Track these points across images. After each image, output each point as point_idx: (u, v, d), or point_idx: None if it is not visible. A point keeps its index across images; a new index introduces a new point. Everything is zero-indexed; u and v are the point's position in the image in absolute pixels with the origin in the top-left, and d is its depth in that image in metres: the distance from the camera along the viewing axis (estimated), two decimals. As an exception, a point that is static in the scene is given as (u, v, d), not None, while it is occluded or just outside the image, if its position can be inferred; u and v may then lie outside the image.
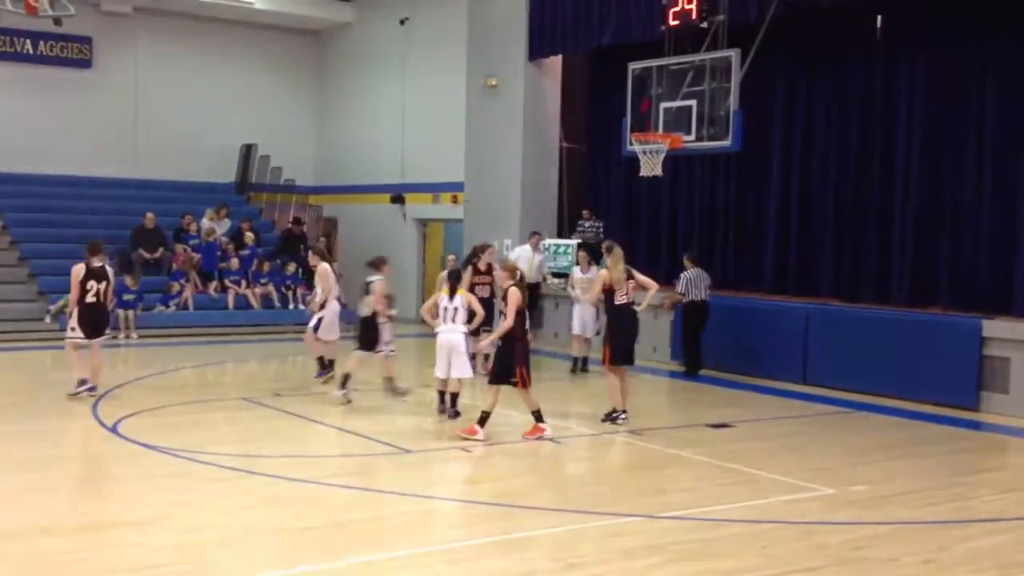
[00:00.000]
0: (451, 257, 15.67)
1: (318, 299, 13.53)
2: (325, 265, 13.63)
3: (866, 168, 15.93)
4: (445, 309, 11.35)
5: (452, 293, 11.46)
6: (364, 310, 12.31)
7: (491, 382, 10.74)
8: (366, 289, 12.38)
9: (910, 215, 15.31)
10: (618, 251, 11.78)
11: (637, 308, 11.86)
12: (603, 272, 11.88)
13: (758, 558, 7.00)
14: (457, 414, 11.43)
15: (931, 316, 14.21)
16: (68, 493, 8.43)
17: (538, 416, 10.75)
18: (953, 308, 14.45)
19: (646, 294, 11.96)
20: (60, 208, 21.84)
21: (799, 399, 13.88)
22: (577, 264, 16.26)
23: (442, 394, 11.75)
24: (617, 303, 11.62)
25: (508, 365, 10.57)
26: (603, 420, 11.60)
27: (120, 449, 9.95)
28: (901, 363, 13.75)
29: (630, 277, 11.74)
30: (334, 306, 13.50)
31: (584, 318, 15.49)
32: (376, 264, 12.54)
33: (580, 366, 15.68)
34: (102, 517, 7.65)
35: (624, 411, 11.62)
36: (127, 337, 18.57)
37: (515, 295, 10.59)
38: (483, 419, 10.46)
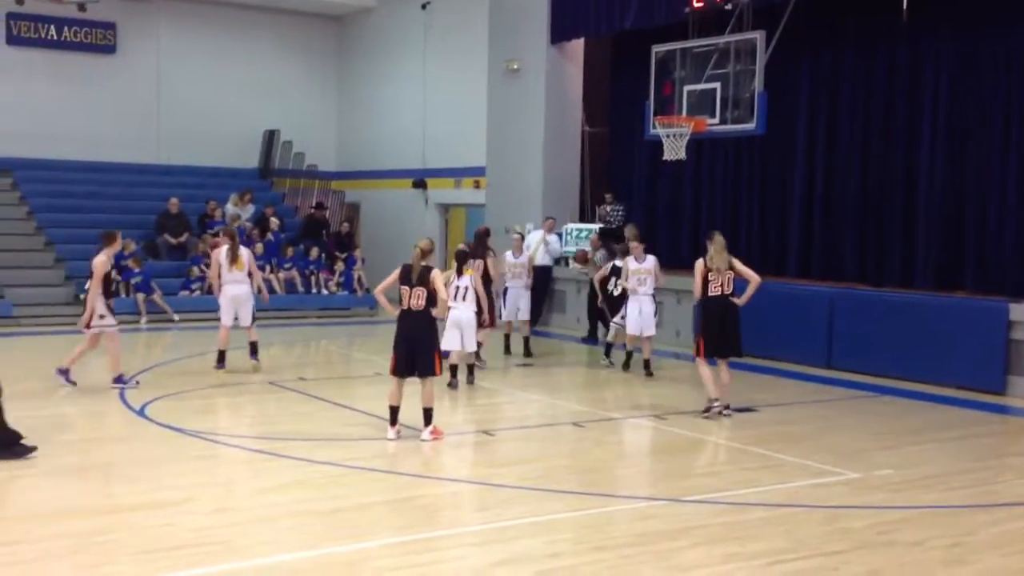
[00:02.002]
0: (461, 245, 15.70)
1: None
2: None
3: (891, 151, 15.80)
4: (456, 288, 11.85)
5: (459, 273, 12.00)
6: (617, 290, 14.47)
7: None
8: (617, 271, 14.45)
9: (936, 198, 15.18)
10: (719, 239, 11.21)
11: (736, 300, 11.17)
12: (700, 262, 11.22)
13: (783, 542, 6.99)
14: (473, 382, 12.65)
15: (957, 300, 14.08)
16: (96, 475, 8.51)
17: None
18: (979, 292, 14.33)
19: (747, 286, 11.29)
20: (84, 194, 21.96)
21: (823, 383, 13.83)
22: (629, 253, 13.96)
23: (453, 369, 12.39)
24: (710, 294, 11.12)
25: None
26: (701, 413, 11.18)
27: (148, 432, 10.04)
28: (927, 347, 13.66)
29: (729, 267, 11.12)
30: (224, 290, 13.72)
31: (642, 313, 13.65)
32: (624, 251, 14.25)
33: (632, 362, 14.40)
34: (130, 499, 7.71)
35: (717, 400, 11.12)
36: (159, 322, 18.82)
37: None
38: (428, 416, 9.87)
